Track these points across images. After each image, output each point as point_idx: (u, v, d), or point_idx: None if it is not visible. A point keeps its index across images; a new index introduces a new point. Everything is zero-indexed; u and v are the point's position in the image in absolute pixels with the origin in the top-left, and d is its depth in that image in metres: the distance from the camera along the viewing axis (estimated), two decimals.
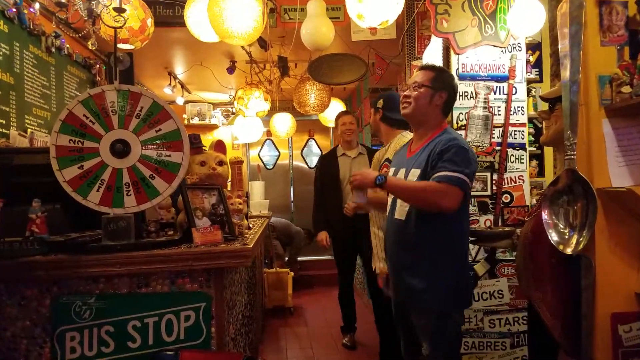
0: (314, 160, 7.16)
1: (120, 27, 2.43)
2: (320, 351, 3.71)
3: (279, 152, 7.19)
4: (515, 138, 2.55)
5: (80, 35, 3.02)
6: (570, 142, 1.69)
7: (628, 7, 1.82)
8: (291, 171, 7.14)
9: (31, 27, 2.90)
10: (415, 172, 1.81)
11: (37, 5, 2.92)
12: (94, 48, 2.80)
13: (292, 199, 7.09)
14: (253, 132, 5.17)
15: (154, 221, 1.70)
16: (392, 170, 2.01)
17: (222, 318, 1.66)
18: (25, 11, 2.82)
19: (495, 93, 2.57)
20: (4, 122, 2.62)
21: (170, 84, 4.93)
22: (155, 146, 1.61)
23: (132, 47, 2.96)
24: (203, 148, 2.03)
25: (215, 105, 6.50)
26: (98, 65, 3.77)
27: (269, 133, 5.97)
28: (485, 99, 2.55)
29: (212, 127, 6.56)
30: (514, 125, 2.55)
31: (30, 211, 1.49)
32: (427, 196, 1.71)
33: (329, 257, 7.00)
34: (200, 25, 2.88)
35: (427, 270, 1.77)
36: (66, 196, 1.54)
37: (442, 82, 1.91)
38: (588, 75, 1.78)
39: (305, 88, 4.50)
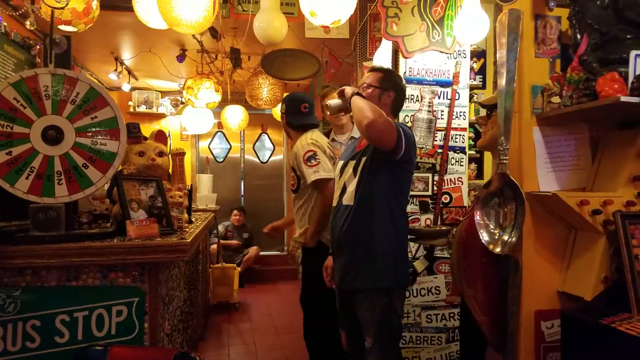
0: (266, 155, 7.12)
1: (62, 8, 2.33)
2: (263, 346, 3.71)
3: (230, 145, 7.08)
4: (456, 142, 2.65)
5: (18, 13, 2.84)
6: (503, 148, 1.77)
7: (561, 22, 1.94)
8: (242, 165, 7.07)
9: None
10: (365, 159, 1.91)
11: None
12: (32, 28, 2.64)
13: (242, 194, 7.02)
14: (203, 123, 5.06)
15: (86, 212, 1.64)
16: (340, 163, 2.08)
17: (157, 313, 1.62)
18: None
19: (439, 97, 2.65)
20: None
21: (116, 70, 4.74)
22: (90, 134, 1.55)
23: (75, 29, 2.83)
24: (142, 138, 1.97)
25: (163, 93, 6.32)
26: (38, 47, 3.57)
27: (220, 125, 5.87)
28: (429, 102, 2.63)
29: (160, 116, 6.38)
30: (455, 129, 2.64)
31: None
32: (373, 116, 1.79)
33: (276, 252, 7.01)
34: (149, 11, 2.79)
35: (371, 250, 1.87)
36: None
37: (390, 82, 2.01)
38: (522, 85, 1.87)
39: (258, 81, 4.47)
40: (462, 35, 2.58)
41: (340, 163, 2.09)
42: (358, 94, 1.93)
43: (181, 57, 4.44)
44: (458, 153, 2.64)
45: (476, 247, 1.87)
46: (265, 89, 4.50)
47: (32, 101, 1.50)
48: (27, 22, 2.47)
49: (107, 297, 1.56)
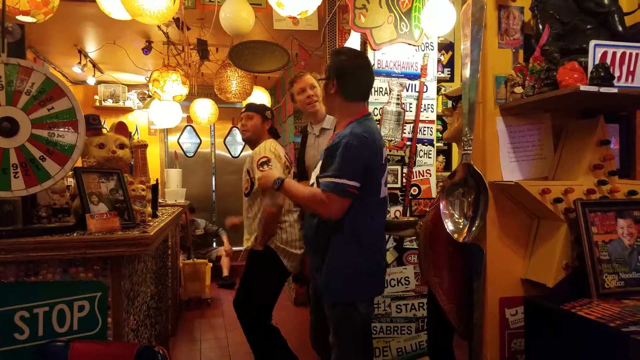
0: (238, 149, 7.05)
1: None
2: (235, 340, 3.68)
3: (201, 140, 6.98)
4: (425, 134, 2.67)
5: None
6: (467, 138, 1.80)
7: (524, 13, 1.97)
8: (213, 160, 6.97)
9: None
10: (319, 164, 1.86)
11: None
12: None
13: (214, 189, 6.94)
14: (171, 117, 4.95)
15: (45, 206, 1.59)
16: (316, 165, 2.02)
17: (120, 308, 1.59)
18: None
19: (407, 90, 2.67)
20: None
21: (80, 63, 4.60)
22: (47, 125, 1.50)
23: (35, 20, 2.74)
24: (103, 130, 1.91)
25: (130, 87, 6.17)
26: None
27: (189, 119, 5.76)
28: (398, 95, 2.64)
29: (127, 110, 6.23)
30: (423, 121, 2.67)
31: None
32: (312, 206, 1.81)
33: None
34: (111, 1, 2.72)
35: (328, 263, 1.81)
36: None
37: (331, 69, 1.89)
38: (486, 75, 1.90)
39: (227, 74, 4.40)
40: (429, 27, 2.60)
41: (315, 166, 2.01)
42: (277, 184, 1.89)
43: (147, 50, 4.34)
44: (426, 145, 2.67)
45: (442, 236, 1.90)
46: (235, 82, 4.43)
47: None
48: None
49: (68, 292, 1.52)
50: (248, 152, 6.97)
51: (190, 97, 4.67)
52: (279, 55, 3.72)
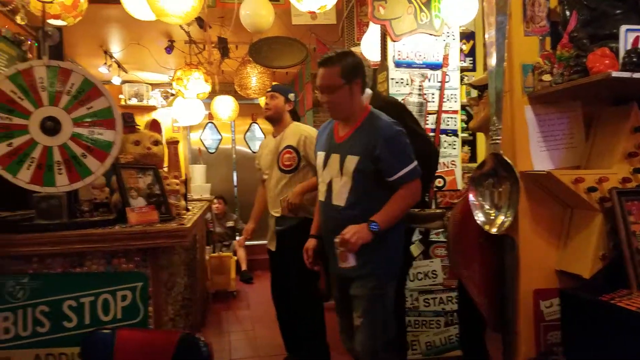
0: (256, 145, 7.12)
1: (51, 2, 2.33)
2: (262, 332, 3.75)
3: (221, 136, 7.07)
4: (448, 124, 2.68)
5: (8, 9, 2.82)
6: (496, 128, 1.80)
7: (549, 0, 1.96)
8: (234, 155, 7.07)
9: None
10: (352, 159, 1.85)
11: None
12: (23, 23, 2.63)
13: (235, 184, 7.03)
14: (193, 114, 5.04)
15: (87, 201, 1.66)
16: (321, 154, 2.01)
17: (160, 298, 1.66)
18: None
19: (429, 80, 2.68)
20: None
21: (105, 63, 4.71)
22: (87, 124, 1.57)
23: (65, 23, 2.83)
24: (137, 127, 1.98)
25: (153, 85, 6.28)
26: (29, 42, 3.54)
27: (210, 116, 5.85)
28: (420, 86, 2.66)
29: (151, 109, 6.35)
30: (447, 112, 2.68)
31: None
32: (406, 206, 1.87)
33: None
34: (136, 3, 2.79)
35: (369, 248, 1.81)
36: None
37: (350, 69, 1.84)
38: (512, 64, 1.88)
39: (247, 71, 4.46)
40: (450, 17, 2.59)
41: (322, 155, 2.01)
42: (375, 228, 1.78)
43: (169, 49, 4.42)
44: (451, 136, 2.68)
45: (471, 228, 1.88)
46: (254, 78, 4.50)
47: (28, 93, 1.52)
48: (18, 17, 2.47)
49: (112, 282, 1.60)
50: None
51: (211, 94, 4.74)
52: (298, 50, 3.76)
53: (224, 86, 5.32)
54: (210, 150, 6.95)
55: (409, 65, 2.67)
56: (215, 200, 6.13)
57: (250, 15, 2.93)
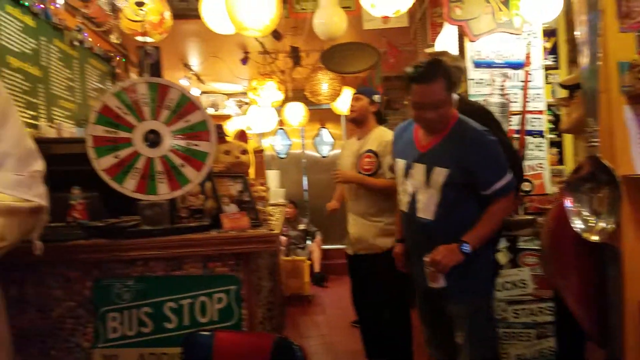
0: (326, 149, 7.21)
1: (141, 21, 2.51)
2: (338, 338, 3.78)
3: (291, 141, 7.24)
4: (534, 125, 2.57)
5: (102, 30, 3.08)
6: (592, 129, 1.70)
7: None
8: (304, 160, 7.19)
9: (56, 21, 2.97)
10: (440, 172, 1.78)
11: (61, 0, 2.98)
12: (118, 42, 2.87)
13: (305, 188, 7.15)
14: (266, 121, 5.23)
15: (184, 207, 1.77)
16: (402, 162, 1.94)
17: (252, 301, 1.73)
18: (51, 6, 2.89)
19: (511, 80, 2.60)
20: (34, 113, 2.71)
21: (186, 76, 5.00)
22: (184, 136, 1.67)
23: (152, 40, 3.03)
24: (227, 137, 2.09)
25: (228, 95, 6.56)
26: (118, 58, 3.85)
27: (281, 122, 6.01)
28: (501, 86, 2.58)
29: (226, 117, 6.62)
30: (531, 112, 2.58)
31: (71, 198, 1.57)
32: (499, 223, 1.81)
33: (340, 245, 7.01)
34: (215, 18, 2.94)
35: (462, 265, 1.75)
36: (102, 183, 1.61)
37: (452, 82, 1.76)
38: (607, 62, 1.78)
39: (318, 77, 4.54)
40: (531, 15, 2.50)
41: (402, 163, 1.93)
42: (467, 249, 1.73)
43: (245, 60, 4.60)
44: (536, 137, 2.57)
45: (567, 236, 1.77)
46: (326, 84, 4.56)
47: (132, 108, 1.64)
48: (113, 37, 2.69)
49: (208, 285, 1.68)
50: (337, 150, 7.18)
51: (283, 101, 4.87)
52: (369, 55, 3.78)
53: (295, 93, 5.45)
54: (280, 156, 7.13)
55: (489, 65, 2.60)
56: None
57: (324, 23, 2.99)
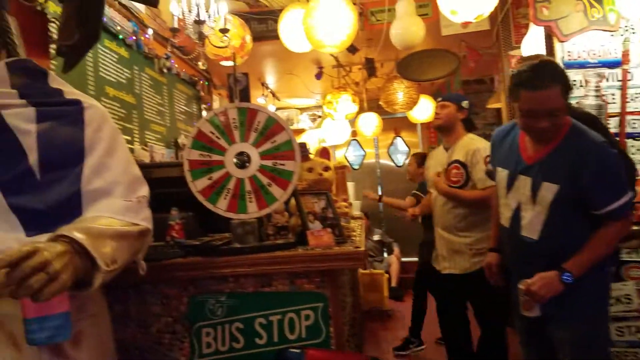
0: (399, 158, 7.12)
1: (226, 47, 2.64)
2: (423, 354, 3.67)
3: (365, 152, 7.22)
4: (635, 127, 2.38)
5: (190, 57, 3.29)
6: None
7: None
8: (378, 170, 7.14)
9: (146, 51, 3.22)
10: (550, 187, 1.63)
11: (150, 31, 3.23)
12: (204, 68, 3.05)
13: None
14: (340, 133, 5.27)
15: (271, 225, 1.82)
16: (504, 172, 1.82)
17: (339, 318, 1.72)
18: (142, 38, 3.13)
19: (607, 80, 2.42)
20: (129, 138, 2.94)
21: (263, 94, 5.18)
22: (271, 156, 1.72)
23: (234, 63, 3.18)
24: (310, 155, 2.13)
25: (302, 110, 6.71)
26: (201, 82, 4.08)
27: (354, 133, 6.03)
28: (596, 87, 2.41)
29: (300, 132, 6.76)
30: (632, 113, 2.38)
31: (170, 219, 1.67)
32: (609, 250, 1.64)
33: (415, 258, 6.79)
34: (293, 37, 3.02)
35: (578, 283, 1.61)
36: (197, 204, 1.69)
37: (567, 89, 1.61)
38: None
39: (393, 87, 4.51)
40: (628, 9, 2.32)
41: (504, 173, 1.80)
42: (568, 279, 1.59)
43: (319, 75, 4.68)
44: (637, 140, 2.36)
45: None
46: (401, 93, 4.52)
47: (224, 132, 1.71)
48: (200, 63, 2.86)
49: (296, 302, 1.70)
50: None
51: (357, 112, 4.88)
52: (448, 61, 3.68)
53: (368, 103, 5.45)
54: (354, 167, 7.14)
55: (582, 65, 2.44)
56: None
57: (401, 33, 2.97)
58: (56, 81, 1.20)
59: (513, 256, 1.84)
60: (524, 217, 1.71)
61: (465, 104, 2.63)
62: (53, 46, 1.72)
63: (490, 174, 2.10)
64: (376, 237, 5.98)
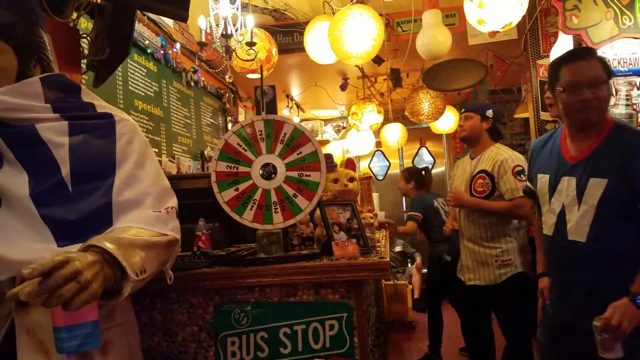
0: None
1: (252, 60, 2.69)
2: None
3: (389, 162, 7.20)
4: None
5: (216, 71, 3.36)
6: None
7: None
8: None
9: (174, 65, 3.30)
10: (597, 183, 1.56)
11: (178, 45, 3.31)
12: (230, 80, 3.11)
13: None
14: (365, 144, 5.27)
15: (296, 235, 1.83)
16: (545, 178, 1.76)
17: (364, 329, 1.71)
18: (170, 52, 3.22)
19: (638, 89, 2.35)
20: (156, 150, 3.01)
21: (287, 106, 5.23)
22: (297, 168, 1.73)
23: (259, 76, 3.23)
24: (335, 166, 2.14)
25: (326, 121, 6.74)
26: (227, 94, 4.16)
27: (378, 144, 6.02)
28: (627, 95, 2.35)
29: (324, 143, 6.79)
30: None
31: (197, 229, 1.70)
32: None
33: None
34: (318, 49, 3.05)
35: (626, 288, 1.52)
36: (223, 214, 1.72)
37: (608, 67, 1.61)
38: None
39: (419, 97, 4.49)
40: None
41: (545, 178, 1.74)
42: (637, 295, 1.45)
43: (344, 86, 4.71)
44: None
45: None
46: (427, 104, 4.50)
47: (250, 144, 1.74)
48: (227, 77, 2.92)
49: (320, 312, 1.70)
50: (438, 169, 6.98)
51: (382, 123, 4.88)
52: (476, 70, 3.65)
53: (393, 113, 5.45)
54: (378, 177, 7.11)
55: (613, 73, 2.38)
56: None
57: (427, 43, 2.96)
58: (88, 95, 1.24)
59: (557, 266, 1.74)
60: (569, 220, 1.64)
61: (489, 113, 2.60)
62: (84, 61, 1.79)
63: (527, 193, 2.06)
64: (398, 248, 5.92)
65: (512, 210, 2.33)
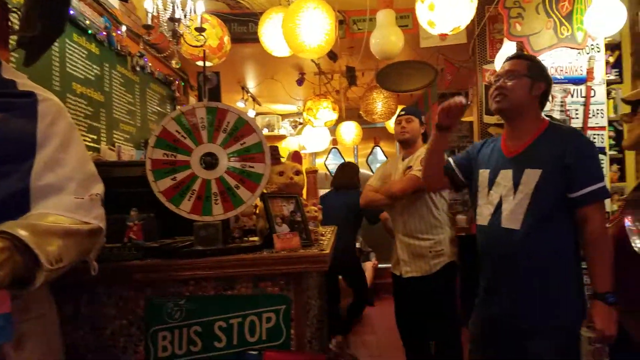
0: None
1: (201, 46, 2.62)
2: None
3: (345, 160, 7.25)
4: (595, 142, 2.45)
5: (163, 55, 3.25)
6: None
7: None
8: None
9: (119, 48, 3.17)
10: (532, 173, 1.66)
11: (123, 28, 3.18)
12: (178, 66, 3.02)
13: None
14: (320, 141, 5.28)
15: (237, 228, 1.80)
16: (485, 172, 1.85)
17: (301, 320, 1.71)
18: (114, 34, 3.09)
19: (572, 96, 2.50)
20: (95, 137, 2.89)
21: (242, 98, 5.15)
22: (240, 158, 1.70)
23: (211, 64, 3.16)
24: (281, 159, 2.12)
25: (283, 116, 6.70)
26: (177, 82, 4.04)
27: (334, 142, 6.06)
28: (562, 102, 2.48)
29: (280, 138, 6.77)
30: (593, 128, 2.47)
31: (128, 219, 1.63)
32: (609, 244, 1.63)
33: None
34: (274, 41, 3.02)
35: (557, 283, 1.63)
36: (159, 205, 1.66)
37: (539, 71, 1.78)
38: None
39: (373, 96, 4.55)
40: (595, 28, 2.40)
41: (486, 173, 1.84)
42: (612, 299, 1.54)
43: (300, 81, 4.70)
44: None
45: (627, 255, 1.63)
46: (380, 103, 4.56)
47: (190, 132, 1.69)
48: (174, 62, 2.84)
49: (258, 305, 1.68)
50: None
51: (337, 120, 4.91)
52: (426, 73, 3.73)
53: (348, 112, 5.49)
54: (333, 174, 7.16)
55: None
56: None
57: (380, 43, 2.99)
58: (9, 72, 1.16)
59: (489, 251, 1.79)
60: (505, 208, 1.71)
61: (425, 118, 2.80)
62: (14, 37, 1.68)
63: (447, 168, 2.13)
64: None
65: (410, 183, 2.50)
